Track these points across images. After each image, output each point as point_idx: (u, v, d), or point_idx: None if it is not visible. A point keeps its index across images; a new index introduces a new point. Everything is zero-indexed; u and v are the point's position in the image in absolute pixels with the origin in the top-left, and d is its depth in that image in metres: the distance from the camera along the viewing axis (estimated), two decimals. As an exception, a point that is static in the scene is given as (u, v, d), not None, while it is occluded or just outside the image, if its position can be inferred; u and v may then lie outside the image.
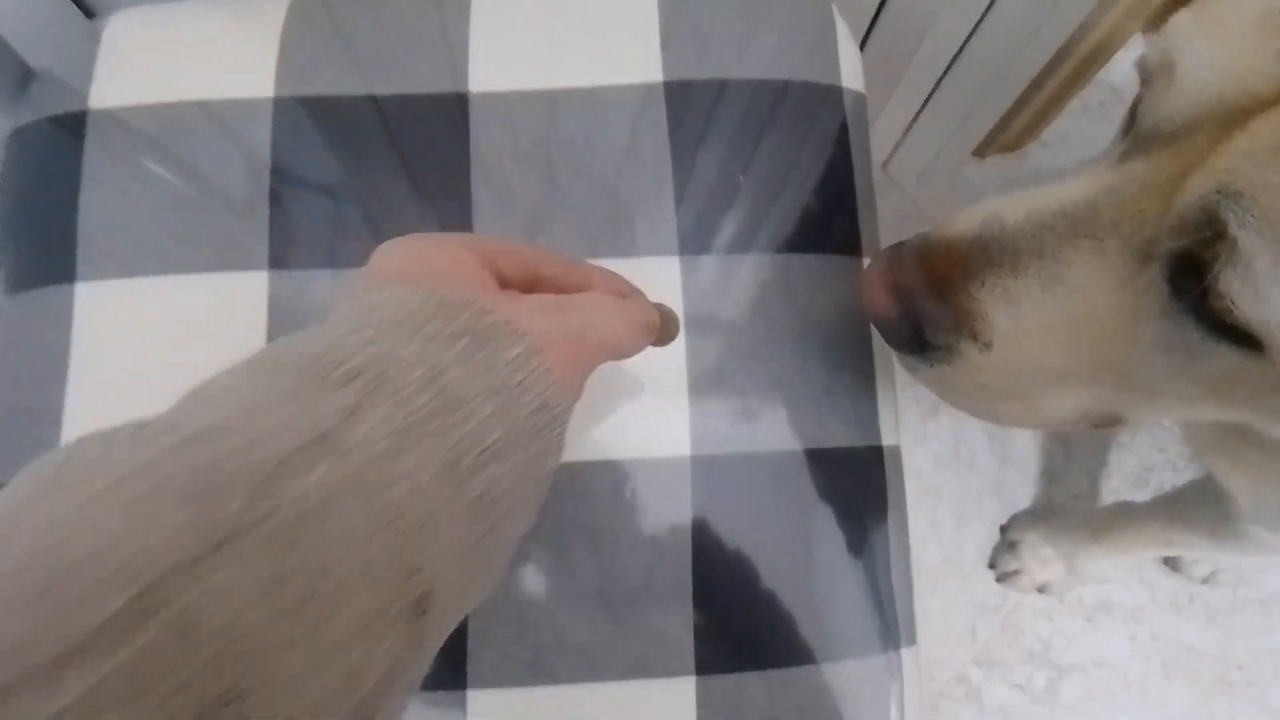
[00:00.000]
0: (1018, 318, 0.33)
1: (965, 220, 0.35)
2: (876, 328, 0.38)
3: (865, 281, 0.38)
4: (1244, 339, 0.28)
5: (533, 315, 0.29)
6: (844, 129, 0.48)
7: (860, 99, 0.49)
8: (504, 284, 0.32)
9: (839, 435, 0.44)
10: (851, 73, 0.48)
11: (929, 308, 0.35)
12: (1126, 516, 0.82)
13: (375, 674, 0.22)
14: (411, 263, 0.30)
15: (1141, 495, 0.93)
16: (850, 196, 0.47)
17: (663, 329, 0.37)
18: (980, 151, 1.03)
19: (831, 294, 0.45)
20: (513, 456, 0.26)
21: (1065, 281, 0.32)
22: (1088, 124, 1.06)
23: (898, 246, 0.37)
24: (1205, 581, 0.93)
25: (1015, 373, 0.35)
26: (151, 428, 0.22)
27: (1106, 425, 0.39)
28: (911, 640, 0.43)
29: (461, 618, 0.27)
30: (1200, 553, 0.84)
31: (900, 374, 0.43)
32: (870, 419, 0.44)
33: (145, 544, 0.19)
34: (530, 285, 0.33)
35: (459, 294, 0.27)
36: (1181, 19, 0.31)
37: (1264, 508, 0.52)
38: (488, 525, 0.25)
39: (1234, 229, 0.27)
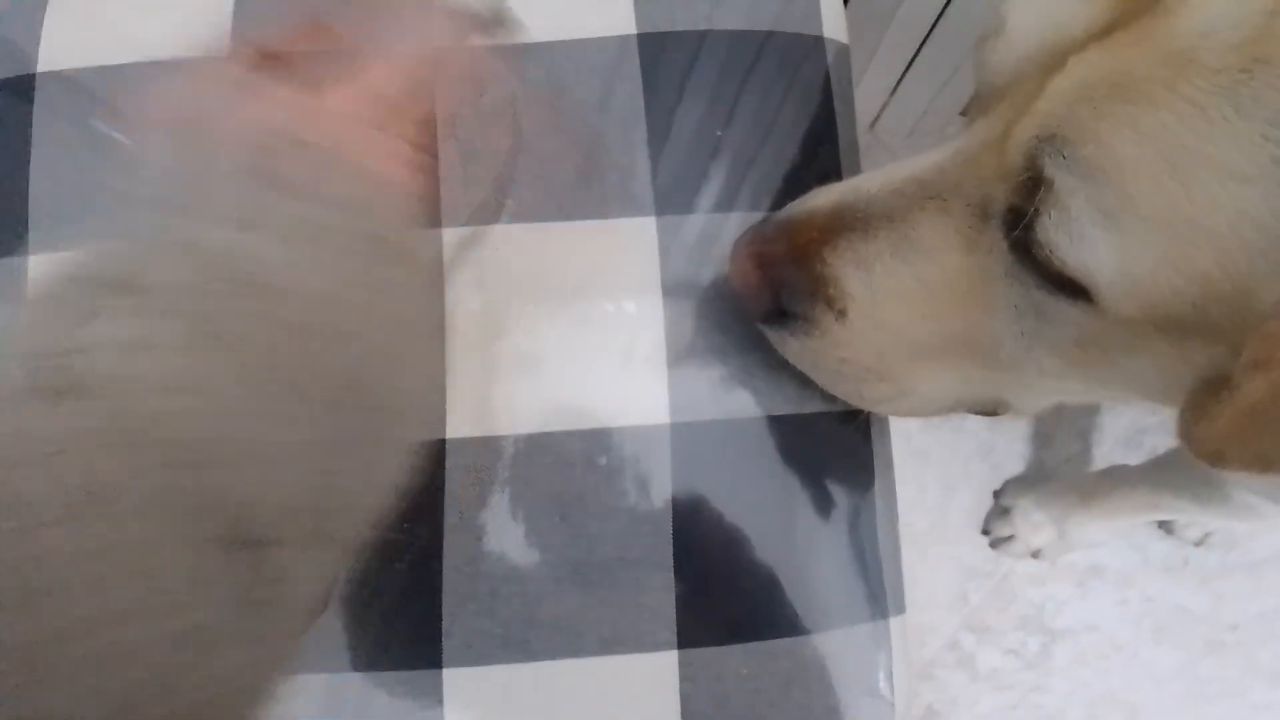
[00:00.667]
0: (869, 283, 0.33)
1: (828, 191, 0.35)
2: (740, 300, 0.38)
3: (731, 253, 0.38)
4: (1079, 291, 0.27)
5: None
6: (827, 81, 0.46)
7: (844, 50, 0.47)
8: None
9: (821, 399, 0.42)
10: (834, 23, 0.46)
11: (786, 275, 0.35)
12: (1116, 481, 0.81)
13: None
14: None
15: (1134, 458, 0.92)
16: (834, 153, 0.45)
17: None
18: (968, 111, 1.01)
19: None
20: None
21: (913, 244, 0.32)
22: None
23: (765, 219, 0.37)
24: (1198, 545, 0.93)
25: (875, 345, 0.35)
26: None
27: (988, 412, 0.39)
28: (900, 609, 0.42)
29: None
30: (1188, 517, 0.83)
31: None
32: (855, 382, 0.43)
33: None
34: None
35: None
36: None
37: None
38: None
39: (1048, 170, 0.26)
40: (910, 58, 0.75)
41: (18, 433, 0.19)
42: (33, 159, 0.44)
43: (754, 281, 0.36)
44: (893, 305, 0.33)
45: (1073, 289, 0.28)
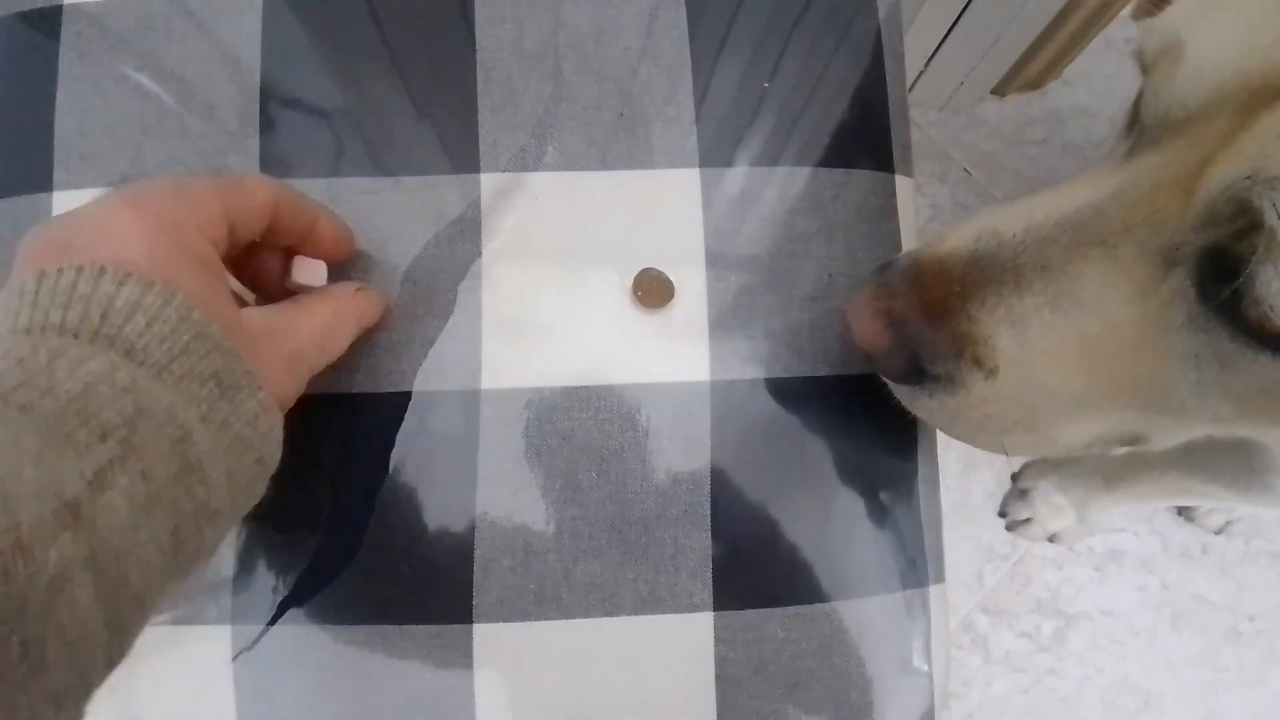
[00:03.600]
0: (1024, 340, 0.30)
1: (957, 236, 0.32)
2: (868, 359, 0.35)
3: (853, 309, 0.35)
4: None
5: (262, 353, 0.29)
6: (878, 38, 0.44)
7: (896, 6, 0.45)
8: (232, 242, 0.31)
9: (865, 361, 0.41)
10: (886, -23, 0.45)
11: (925, 334, 0.32)
12: (1143, 465, 0.80)
13: None
14: (142, 244, 0.27)
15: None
16: (883, 109, 0.44)
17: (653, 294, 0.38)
18: (1000, 89, 0.99)
19: (861, 211, 0.42)
20: (227, 516, 0.28)
21: (1076, 296, 0.29)
22: (1111, 62, 1.03)
23: (885, 268, 0.34)
24: (1219, 532, 0.92)
25: (1026, 401, 0.32)
26: None
27: (1127, 445, 0.36)
28: (940, 577, 0.41)
29: None
30: (1220, 503, 0.82)
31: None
32: (900, 345, 0.42)
33: None
34: (264, 234, 0.33)
35: (207, 319, 0.27)
36: (1182, 4, 0.29)
37: None
38: (185, 574, 0.26)
39: (1271, 218, 0.24)
40: (948, 28, 0.73)
41: None
42: (58, 95, 0.42)
43: (884, 342, 0.33)
44: (1050, 361, 0.31)
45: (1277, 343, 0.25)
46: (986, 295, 0.30)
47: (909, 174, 0.44)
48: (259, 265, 0.36)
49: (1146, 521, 0.93)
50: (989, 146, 1.02)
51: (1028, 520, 0.91)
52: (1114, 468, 0.84)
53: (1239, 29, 0.27)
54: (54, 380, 0.24)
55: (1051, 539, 0.91)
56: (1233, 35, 0.27)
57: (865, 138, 0.43)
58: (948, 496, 0.94)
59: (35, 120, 0.42)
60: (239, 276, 0.36)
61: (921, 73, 0.82)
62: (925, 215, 0.99)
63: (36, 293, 0.26)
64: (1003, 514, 0.93)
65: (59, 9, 0.43)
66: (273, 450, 0.30)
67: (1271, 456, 0.56)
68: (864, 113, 0.43)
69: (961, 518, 0.93)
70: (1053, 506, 0.89)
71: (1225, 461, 0.68)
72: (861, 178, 0.42)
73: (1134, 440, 0.35)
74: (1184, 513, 0.92)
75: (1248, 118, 0.25)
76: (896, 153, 0.44)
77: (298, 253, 0.36)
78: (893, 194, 0.43)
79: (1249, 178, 0.24)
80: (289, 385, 0.32)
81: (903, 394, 0.36)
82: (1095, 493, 0.85)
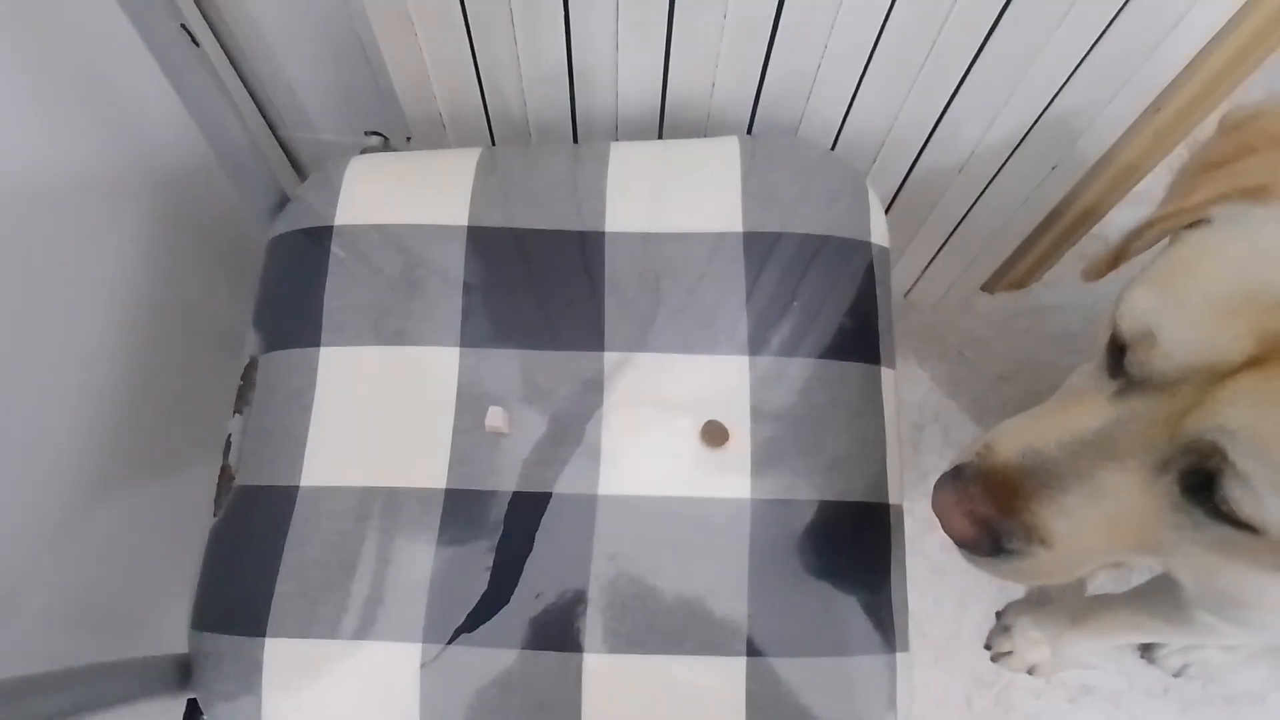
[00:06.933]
0: (1071, 523, 0.43)
1: (1005, 449, 0.46)
2: (958, 545, 0.48)
3: (941, 510, 0.47)
4: (1243, 525, 0.38)
5: None
6: (870, 271, 0.65)
7: (884, 251, 0.67)
8: None
9: (858, 491, 0.60)
10: (879, 231, 0.67)
11: (1001, 525, 0.45)
12: (1102, 605, 0.95)
13: None
14: None
15: (1120, 589, 1.06)
16: (874, 324, 0.64)
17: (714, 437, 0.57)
18: (990, 287, 1.21)
19: (855, 389, 0.62)
20: None
21: (1102, 493, 0.42)
22: (1071, 267, 1.23)
23: (958, 474, 0.47)
24: (1177, 675, 1.05)
25: (1071, 560, 0.45)
26: None
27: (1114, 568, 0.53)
28: (905, 647, 0.58)
29: None
30: (1162, 638, 0.97)
31: (908, 446, 0.59)
32: (881, 482, 0.61)
33: None
34: None
35: None
36: (1145, 296, 0.42)
37: (1203, 594, 0.67)
38: None
39: (1233, 455, 0.37)
40: (939, 246, 0.96)
41: None
42: (328, 281, 0.64)
43: (974, 534, 0.46)
44: (1088, 535, 0.44)
45: (1238, 523, 0.38)
46: (1043, 496, 0.44)
47: (892, 366, 0.64)
48: None
49: (1116, 661, 1.07)
50: (981, 333, 1.22)
51: (1009, 652, 1.05)
52: (1080, 607, 0.99)
53: (1196, 334, 0.39)
54: None
55: (1030, 671, 1.05)
56: (1192, 338, 0.39)
57: (861, 339, 0.64)
58: (943, 628, 1.09)
59: (311, 299, 0.64)
60: None
61: (919, 277, 1.04)
62: (925, 387, 1.19)
63: None
64: (988, 646, 1.07)
65: (330, 229, 0.66)
66: None
67: (1187, 592, 0.73)
68: (860, 323, 0.64)
69: (954, 648, 1.08)
70: (1030, 640, 1.04)
71: (1162, 599, 0.84)
72: (856, 367, 0.63)
73: (1120, 564, 0.51)
74: (1146, 654, 1.06)
75: (1208, 387, 0.38)
76: (883, 351, 0.64)
77: None
78: (879, 378, 0.63)
79: (1217, 429, 0.37)
80: None
81: (982, 564, 0.48)
82: (1065, 629, 1.00)
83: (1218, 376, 0.38)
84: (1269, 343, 0.37)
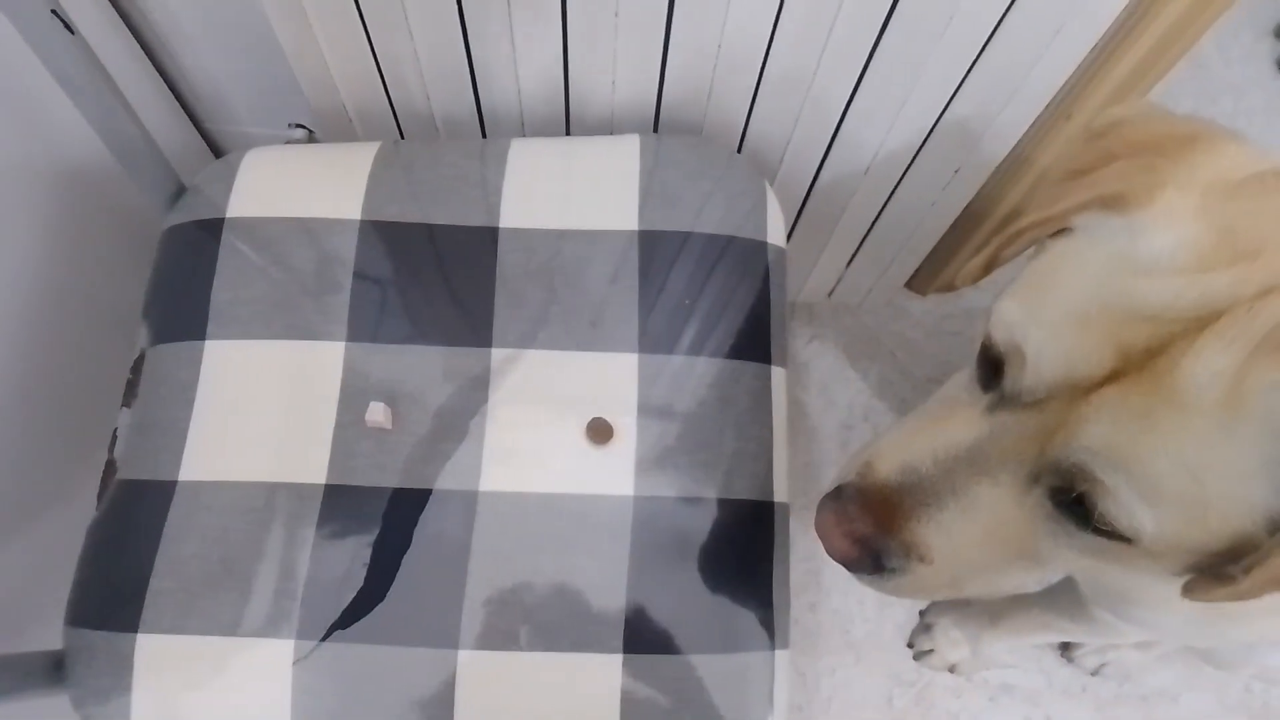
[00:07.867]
0: (949, 539, 0.44)
1: (884, 468, 0.46)
2: (841, 564, 0.48)
3: (823, 532, 0.48)
4: (1114, 534, 0.39)
5: None
6: (767, 273, 0.66)
7: (781, 251, 0.67)
8: None
9: (746, 490, 0.60)
10: (776, 232, 0.67)
11: (880, 544, 0.46)
12: (1017, 604, 0.97)
13: None
14: None
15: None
16: (768, 321, 0.65)
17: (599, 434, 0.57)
18: (921, 289, 1.22)
19: (747, 389, 0.62)
20: None
21: (976, 507, 0.43)
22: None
23: (838, 494, 0.48)
24: (1094, 674, 1.07)
25: (951, 574, 0.46)
26: None
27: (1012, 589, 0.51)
28: (785, 644, 0.58)
29: None
30: (1071, 636, 0.98)
31: (789, 445, 0.59)
32: (768, 481, 0.61)
33: None
34: None
35: None
36: (1011, 309, 0.42)
37: (1095, 593, 0.68)
38: None
39: (1099, 474, 0.37)
40: (855, 247, 0.96)
41: None
42: (215, 275, 0.63)
43: (854, 553, 0.46)
44: (966, 549, 0.44)
45: (1111, 534, 0.39)
46: (920, 514, 0.44)
47: (784, 365, 0.65)
48: None
49: (1035, 660, 1.08)
50: (912, 335, 1.24)
51: (931, 651, 1.06)
52: (997, 608, 1.00)
53: (1058, 347, 0.39)
54: None
55: (951, 669, 1.06)
56: (1055, 351, 0.39)
57: (754, 339, 0.64)
58: (864, 627, 1.10)
59: (199, 291, 0.63)
60: None
61: (840, 278, 1.05)
62: (855, 388, 1.20)
63: None
64: (910, 645, 1.08)
65: (222, 220, 0.65)
66: None
67: (1084, 591, 0.74)
68: (754, 323, 0.64)
69: (875, 647, 1.09)
70: (951, 640, 1.05)
71: (1067, 598, 0.85)
72: (749, 366, 0.63)
73: (1016, 587, 0.51)
74: (1065, 654, 1.08)
75: (1072, 403, 0.38)
76: (775, 350, 0.64)
77: None
78: (769, 378, 0.63)
79: (1081, 447, 0.38)
80: None
81: (865, 581, 0.48)
82: (984, 628, 1.01)
83: (1081, 391, 0.38)
84: (1127, 355, 0.37)
